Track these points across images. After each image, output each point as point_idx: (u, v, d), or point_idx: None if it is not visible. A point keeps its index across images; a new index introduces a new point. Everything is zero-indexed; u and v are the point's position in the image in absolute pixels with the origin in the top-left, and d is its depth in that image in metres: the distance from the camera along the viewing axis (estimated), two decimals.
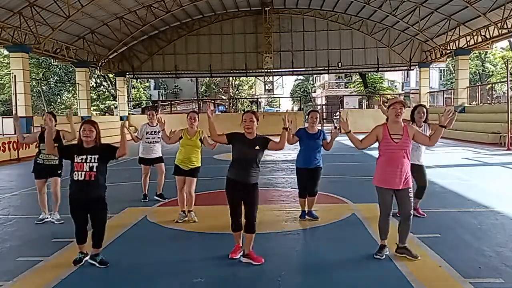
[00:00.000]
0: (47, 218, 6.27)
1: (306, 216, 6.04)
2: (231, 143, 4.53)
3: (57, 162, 6.13)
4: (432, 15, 23.41)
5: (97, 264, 4.39)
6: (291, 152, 16.37)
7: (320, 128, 5.96)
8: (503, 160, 12.75)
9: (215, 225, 5.92)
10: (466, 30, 23.22)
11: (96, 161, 4.32)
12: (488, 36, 21.64)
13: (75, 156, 4.34)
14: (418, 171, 5.75)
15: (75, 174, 4.31)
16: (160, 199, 7.59)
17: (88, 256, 4.50)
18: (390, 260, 4.39)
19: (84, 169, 4.28)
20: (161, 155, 7.65)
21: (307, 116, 6.03)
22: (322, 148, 5.92)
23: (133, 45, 29.84)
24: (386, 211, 4.46)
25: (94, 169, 4.30)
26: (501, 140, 16.96)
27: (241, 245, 4.62)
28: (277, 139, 4.63)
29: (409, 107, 28.54)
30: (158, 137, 7.41)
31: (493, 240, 5.01)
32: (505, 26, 19.62)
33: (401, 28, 28.38)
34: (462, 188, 8.07)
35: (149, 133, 7.53)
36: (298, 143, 5.95)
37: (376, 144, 4.60)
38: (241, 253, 4.58)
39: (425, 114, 5.87)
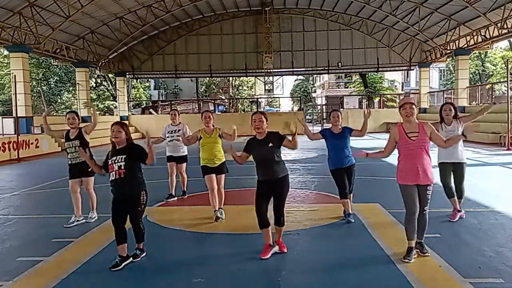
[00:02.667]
0: (79, 220, 6.14)
1: (352, 219, 5.85)
2: (250, 152, 4.67)
3: (83, 159, 6.11)
4: (432, 15, 23.41)
5: (138, 258, 4.57)
6: (290, 152, 16.38)
7: (344, 125, 5.92)
8: (503, 160, 12.75)
9: (216, 225, 5.92)
10: (466, 30, 23.22)
11: (123, 160, 4.44)
12: (488, 36, 21.65)
13: (109, 160, 4.54)
14: (455, 168, 5.78)
15: (110, 175, 4.51)
16: (184, 197, 7.75)
17: (129, 259, 4.52)
18: (390, 260, 4.39)
19: (114, 169, 4.45)
20: (186, 153, 7.72)
21: (329, 116, 6.02)
22: (349, 145, 5.88)
23: (133, 45, 29.86)
24: (412, 208, 4.37)
25: (122, 167, 4.42)
26: (501, 140, 16.96)
27: (270, 243, 4.63)
28: None
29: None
30: (178, 135, 7.49)
31: (493, 240, 5.00)
32: (505, 26, 19.62)
33: (401, 28, 28.39)
34: None
35: (170, 132, 7.70)
36: (325, 145, 5.95)
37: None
38: (272, 252, 4.60)
39: (452, 111, 5.79)
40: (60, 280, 4.07)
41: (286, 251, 4.68)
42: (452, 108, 5.82)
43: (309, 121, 43.48)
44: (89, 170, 6.10)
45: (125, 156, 4.45)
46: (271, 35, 29.23)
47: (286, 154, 15.62)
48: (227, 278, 4.15)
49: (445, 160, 5.83)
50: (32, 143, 17.10)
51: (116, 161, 4.45)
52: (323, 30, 30.34)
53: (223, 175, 6.22)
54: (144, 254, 4.67)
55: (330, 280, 4.04)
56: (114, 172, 4.44)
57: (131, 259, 4.53)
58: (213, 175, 6.10)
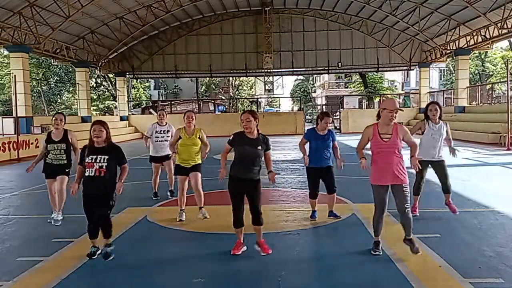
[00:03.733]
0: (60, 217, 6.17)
1: (316, 217, 6.01)
2: (234, 146, 4.67)
3: (65, 162, 6.13)
4: (432, 15, 23.41)
5: (111, 256, 4.57)
6: (291, 152, 16.38)
7: (329, 128, 5.98)
8: (503, 160, 12.75)
9: (215, 225, 5.92)
10: (466, 30, 23.22)
11: (105, 161, 4.50)
12: (488, 36, 21.64)
13: (85, 156, 4.56)
14: (436, 166, 5.89)
15: (86, 171, 4.54)
16: (170, 197, 7.69)
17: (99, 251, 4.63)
18: (390, 260, 4.39)
19: (94, 167, 4.49)
20: (169, 153, 7.66)
21: (318, 119, 6.01)
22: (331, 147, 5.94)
23: (133, 45, 29.85)
24: (380, 208, 4.54)
25: (104, 167, 4.49)
26: (501, 140, 16.95)
27: (242, 241, 4.71)
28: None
29: (409, 107, 28.41)
30: (168, 136, 7.51)
31: (493, 240, 5.00)
32: (505, 26, 19.61)
33: (401, 28, 28.39)
34: (462, 188, 8.06)
35: (158, 132, 7.63)
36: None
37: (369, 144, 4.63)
38: (243, 249, 4.66)
39: (438, 112, 5.85)
40: (60, 280, 4.07)
41: (270, 252, 4.61)
42: (438, 108, 5.88)
43: (309, 121, 43.49)
44: (67, 171, 6.15)
45: (107, 157, 4.52)
46: (271, 35, 29.23)
47: (286, 154, 15.62)
48: (227, 278, 4.15)
49: (422, 158, 5.87)
50: (32, 143, 17.09)
51: (97, 160, 4.50)
52: (323, 30, 30.34)
53: (198, 173, 6.17)
54: (113, 247, 4.69)
55: (329, 280, 4.04)
56: (93, 170, 4.48)
57: (100, 250, 4.65)
58: (185, 177, 6.12)
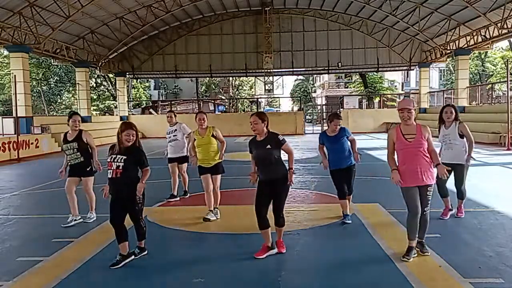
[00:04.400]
0: (76, 220, 6.11)
1: (350, 220, 5.83)
2: (252, 152, 4.75)
3: (82, 160, 6.09)
4: (432, 15, 23.40)
5: (137, 256, 4.59)
6: (295, 151, 16.39)
7: (342, 126, 5.93)
8: (503, 160, 12.75)
9: (216, 225, 5.93)
10: (466, 30, 23.21)
11: (122, 161, 4.49)
12: (488, 36, 21.63)
13: (108, 156, 4.59)
14: (454, 169, 5.82)
15: (108, 173, 4.54)
16: (185, 197, 7.75)
17: (131, 257, 4.56)
18: (390, 260, 4.39)
19: (112, 167, 4.49)
20: (186, 154, 7.65)
21: (328, 121, 5.98)
22: (349, 145, 5.87)
23: (133, 45, 29.84)
24: (414, 209, 4.38)
25: (120, 168, 4.47)
26: (501, 140, 16.95)
27: (269, 244, 4.63)
28: None
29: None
30: (174, 135, 7.58)
31: (493, 240, 5.00)
32: (505, 26, 19.60)
33: (401, 28, 28.38)
34: None
35: (168, 133, 7.72)
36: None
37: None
38: (268, 254, 4.58)
39: (453, 114, 5.81)
40: (60, 280, 4.07)
41: (284, 251, 4.66)
42: (453, 111, 5.84)
43: (309, 121, 43.49)
44: (88, 169, 6.12)
45: (125, 157, 4.49)
46: (271, 35, 29.22)
47: (286, 154, 15.62)
48: (227, 278, 4.15)
49: (444, 160, 5.84)
50: (32, 143, 17.10)
51: (115, 160, 4.50)
52: (323, 30, 30.33)
53: (218, 176, 6.19)
54: (145, 252, 4.69)
55: (330, 280, 4.04)
56: (112, 171, 4.49)
57: (132, 257, 4.56)
58: (208, 175, 6.11)
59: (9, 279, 4.10)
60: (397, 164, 4.45)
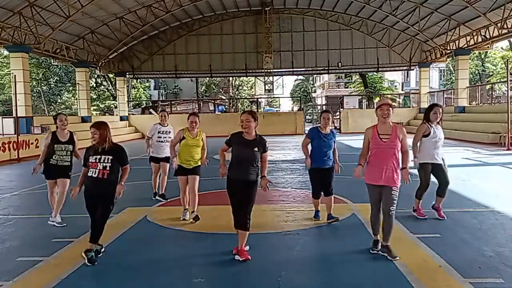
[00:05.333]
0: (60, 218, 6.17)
1: (319, 217, 6.02)
2: (231, 146, 4.65)
3: (69, 164, 6.13)
4: (432, 15, 23.40)
5: (86, 260, 4.44)
6: (291, 152, 16.38)
7: (331, 128, 5.96)
8: (503, 160, 12.75)
9: (215, 225, 5.93)
10: (466, 30, 23.22)
11: (109, 161, 4.55)
12: (488, 36, 21.64)
13: (89, 156, 4.62)
14: (438, 169, 5.86)
15: (89, 171, 4.58)
16: (161, 199, 7.62)
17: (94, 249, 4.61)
18: (390, 260, 4.39)
19: (97, 168, 4.53)
20: (169, 155, 7.63)
21: (319, 117, 6.05)
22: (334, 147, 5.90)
23: (133, 45, 29.85)
24: (375, 207, 4.60)
25: (108, 168, 4.53)
26: (501, 140, 16.95)
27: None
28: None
29: (409, 107, 28.37)
30: (169, 137, 7.52)
31: (493, 240, 5.01)
32: (505, 26, 19.61)
33: (401, 28, 28.38)
34: (462, 188, 8.06)
35: (161, 132, 7.65)
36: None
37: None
38: (246, 249, 4.61)
39: (441, 114, 5.88)
40: (60, 280, 4.07)
41: (250, 258, 4.45)
42: (441, 111, 5.92)
43: (309, 121, 43.49)
44: (69, 174, 6.15)
45: (111, 157, 4.57)
46: (271, 35, 29.22)
47: (286, 154, 15.62)
48: (227, 278, 4.15)
49: (426, 160, 5.91)
50: (32, 143, 17.09)
51: (101, 160, 4.54)
52: (323, 30, 30.34)
53: (197, 177, 6.15)
54: (103, 249, 4.78)
55: (329, 280, 4.05)
56: (96, 170, 4.53)
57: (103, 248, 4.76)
58: (185, 177, 6.11)
59: (9, 279, 4.10)
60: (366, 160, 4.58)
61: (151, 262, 4.53)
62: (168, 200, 7.57)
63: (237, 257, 4.51)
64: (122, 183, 4.64)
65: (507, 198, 7.32)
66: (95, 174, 4.53)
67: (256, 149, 4.52)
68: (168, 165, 7.68)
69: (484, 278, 3.89)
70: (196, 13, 28.81)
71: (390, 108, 4.48)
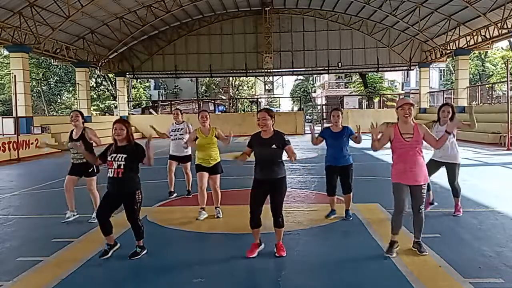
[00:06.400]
0: (74, 215, 6.22)
1: (333, 215, 6.04)
2: (252, 148, 4.66)
3: (85, 160, 6.01)
4: (432, 15, 23.41)
5: (139, 255, 4.60)
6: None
7: (345, 125, 5.94)
8: (503, 160, 12.75)
9: (216, 225, 5.93)
10: (466, 30, 23.22)
11: (123, 159, 4.50)
12: (488, 36, 21.63)
13: (108, 155, 4.60)
14: (451, 168, 5.95)
15: (108, 171, 4.57)
16: (188, 196, 7.74)
17: (117, 245, 4.71)
18: (390, 260, 4.39)
19: (113, 167, 4.50)
20: (189, 153, 7.67)
21: (329, 115, 6.05)
22: (349, 145, 5.90)
23: (133, 45, 29.85)
24: (400, 206, 4.49)
25: (122, 167, 4.49)
26: (501, 140, 16.96)
27: (258, 242, 4.67)
28: None
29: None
30: (181, 134, 7.59)
31: (493, 240, 5.00)
32: (505, 26, 19.61)
33: (401, 28, 28.39)
34: (462, 188, 8.01)
35: (173, 130, 7.74)
36: (325, 145, 6.00)
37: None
38: (260, 249, 4.64)
39: (450, 113, 5.85)
40: (60, 280, 4.07)
41: (284, 254, 4.58)
42: (451, 110, 5.89)
43: (309, 121, 43.50)
44: (90, 170, 6.10)
45: (125, 155, 4.52)
46: (271, 35, 29.23)
47: (285, 154, 15.61)
48: (227, 278, 4.15)
49: (437, 158, 6.00)
50: (32, 143, 17.09)
51: (116, 159, 4.51)
52: (323, 30, 30.34)
53: (218, 175, 6.20)
54: (145, 251, 4.70)
55: (330, 280, 4.04)
56: (112, 170, 4.51)
57: (119, 245, 4.73)
58: (204, 173, 6.11)
59: (9, 279, 4.10)
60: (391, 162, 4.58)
61: (151, 262, 4.53)
62: (174, 198, 7.59)
63: (262, 246, 4.65)
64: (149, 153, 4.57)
65: (507, 198, 7.32)
66: (111, 174, 4.51)
67: (274, 146, 4.49)
68: (189, 164, 7.74)
69: (484, 278, 3.89)
70: (196, 13, 28.81)
71: (412, 108, 4.46)
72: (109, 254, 4.60)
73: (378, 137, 4.66)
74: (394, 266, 4.23)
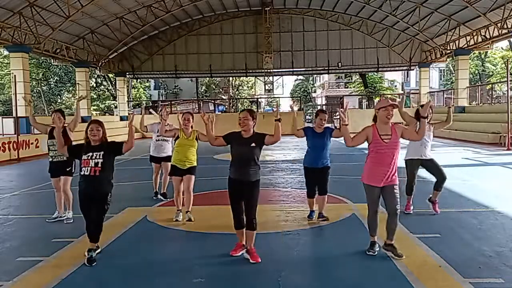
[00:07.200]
0: (61, 216, 6.24)
1: (313, 217, 5.99)
2: (229, 143, 4.62)
3: (65, 159, 6.06)
4: (432, 15, 23.41)
5: (85, 260, 4.44)
6: (291, 152, 16.37)
7: (327, 125, 5.93)
8: (503, 160, 12.75)
9: (215, 225, 5.92)
10: (466, 30, 23.22)
11: (101, 157, 4.47)
12: (488, 36, 21.64)
13: (82, 154, 4.53)
14: (430, 165, 6.04)
15: (82, 170, 4.51)
16: (163, 198, 7.63)
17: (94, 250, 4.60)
18: (390, 260, 4.39)
19: (89, 165, 4.45)
20: (170, 154, 7.59)
21: (314, 117, 6.02)
22: (329, 147, 5.89)
23: (133, 45, 29.85)
24: (373, 208, 4.55)
25: (99, 165, 4.46)
26: (501, 140, 16.95)
27: (243, 243, 4.65)
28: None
29: (409, 107, 28.37)
30: (165, 137, 7.45)
31: (493, 240, 5.00)
32: (505, 26, 19.61)
33: (401, 28, 28.39)
34: (462, 188, 8.06)
35: (158, 130, 7.58)
36: (306, 143, 5.96)
37: (366, 144, 4.64)
38: (243, 251, 4.61)
39: (431, 114, 5.97)
40: (60, 280, 4.07)
41: (259, 260, 4.42)
42: (431, 111, 5.99)
43: (309, 121, 43.48)
44: (68, 169, 6.11)
45: (102, 152, 4.49)
46: (271, 35, 29.22)
47: (286, 154, 15.62)
48: (227, 278, 4.15)
49: (413, 156, 6.09)
50: (32, 143, 17.10)
51: (93, 157, 4.46)
52: (323, 30, 30.34)
53: (192, 176, 6.11)
54: (99, 250, 4.66)
55: (329, 280, 4.04)
56: (88, 168, 4.45)
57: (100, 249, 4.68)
58: (180, 178, 6.10)
59: (9, 279, 4.09)
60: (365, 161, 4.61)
61: (151, 262, 4.53)
62: (169, 199, 7.56)
63: (245, 254, 4.54)
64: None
65: (507, 198, 7.31)
66: (87, 172, 4.44)
67: (253, 144, 4.49)
68: (169, 164, 7.66)
69: (484, 278, 3.89)
70: (196, 13, 28.81)
71: (393, 109, 4.43)
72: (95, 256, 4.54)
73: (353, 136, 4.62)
74: (394, 266, 4.23)
